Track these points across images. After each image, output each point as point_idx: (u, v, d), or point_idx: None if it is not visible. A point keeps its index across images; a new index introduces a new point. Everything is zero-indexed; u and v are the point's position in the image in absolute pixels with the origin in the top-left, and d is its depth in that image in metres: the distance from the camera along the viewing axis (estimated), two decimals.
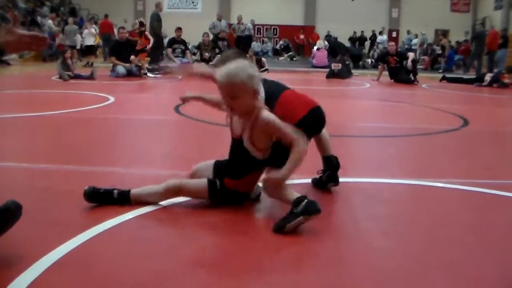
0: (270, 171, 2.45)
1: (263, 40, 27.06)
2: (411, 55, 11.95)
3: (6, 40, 1.92)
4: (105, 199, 2.53)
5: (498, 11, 22.99)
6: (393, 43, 12.78)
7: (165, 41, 14.00)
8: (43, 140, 4.33)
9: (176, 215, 2.51)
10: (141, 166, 3.47)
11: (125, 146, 4.28)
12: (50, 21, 18.70)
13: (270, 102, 2.57)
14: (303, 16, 28.48)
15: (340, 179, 2.96)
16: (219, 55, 13.54)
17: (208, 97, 2.82)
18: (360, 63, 17.68)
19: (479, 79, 11.92)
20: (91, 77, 9.99)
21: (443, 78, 12.60)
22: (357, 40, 25.50)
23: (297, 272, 1.96)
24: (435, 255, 2.11)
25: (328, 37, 23.96)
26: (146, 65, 11.84)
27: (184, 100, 2.88)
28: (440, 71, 16.98)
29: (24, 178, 3.12)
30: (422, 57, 19.57)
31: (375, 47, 23.59)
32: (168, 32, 15.65)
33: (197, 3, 27.69)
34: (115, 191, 2.55)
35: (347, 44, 21.17)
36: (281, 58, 23.06)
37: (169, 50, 13.00)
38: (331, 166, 2.94)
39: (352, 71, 13.88)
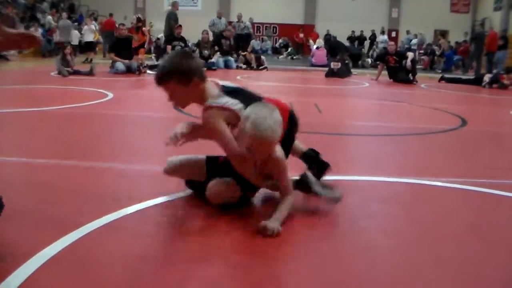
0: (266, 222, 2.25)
1: (262, 38, 27.01)
2: (410, 55, 11.94)
3: None
4: None
5: (497, 12, 22.99)
6: (392, 43, 12.79)
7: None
8: (41, 135, 4.33)
9: (175, 210, 2.51)
10: (140, 162, 3.47)
11: (124, 142, 4.28)
12: (49, 17, 18.64)
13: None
14: (303, 15, 28.45)
15: (338, 177, 2.96)
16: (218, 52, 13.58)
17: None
18: (360, 62, 17.67)
19: (478, 80, 11.93)
20: (90, 73, 9.99)
21: (442, 79, 12.61)
22: (356, 39, 25.48)
23: (295, 270, 1.96)
24: (433, 254, 2.12)
25: (327, 36, 23.94)
26: (146, 62, 11.83)
27: (176, 141, 2.45)
28: (439, 71, 16.98)
29: (23, 173, 3.12)
30: (422, 57, 19.56)
31: (374, 46, 23.57)
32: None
33: (197, 0, 27.64)
34: None
35: (346, 43, 21.16)
36: (281, 56, 23.03)
37: (169, 47, 13.03)
38: (312, 159, 2.80)
39: (352, 70, 13.88)
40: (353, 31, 25.84)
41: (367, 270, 1.95)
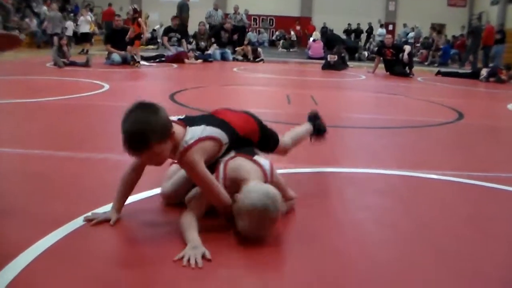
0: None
1: (259, 30, 26.96)
2: (407, 48, 11.94)
3: None
4: None
5: (494, 6, 22.97)
6: (390, 36, 12.78)
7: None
8: (37, 126, 4.31)
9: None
10: None
11: (120, 133, 4.25)
12: (45, 8, 18.51)
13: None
14: (300, 7, 28.39)
15: (334, 170, 2.96)
16: (215, 45, 13.52)
17: None
18: (356, 55, 17.65)
19: (474, 74, 11.94)
20: (86, 64, 9.94)
21: (439, 72, 12.61)
22: (353, 32, 25.47)
23: (291, 262, 1.96)
24: (429, 246, 2.12)
25: (324, 29, 23.91)
26: (140, 53, 11.75)
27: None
28: (436, 65, 16.98)
29: (18, 164, 3.11)
30: (421, 51, 19.52)
31: (371, 39, 23.55)
32: (164, 21, 15.55)
33: None
34: None
35: (343, 36, 21.14)
36: (279, 50, 22.99)
37: (165, 38, 12.97)
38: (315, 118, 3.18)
39: (348, 63, 13.87)
40: (349, 24, 25.83)
41: (363, 263, 1.95)
